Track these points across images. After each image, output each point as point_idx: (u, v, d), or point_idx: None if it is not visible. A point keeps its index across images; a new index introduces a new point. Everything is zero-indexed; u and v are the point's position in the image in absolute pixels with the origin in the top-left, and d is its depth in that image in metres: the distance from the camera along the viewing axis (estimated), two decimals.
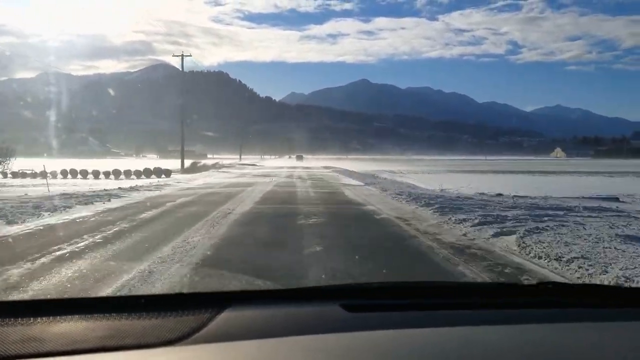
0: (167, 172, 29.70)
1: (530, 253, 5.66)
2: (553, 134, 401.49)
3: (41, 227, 7.48)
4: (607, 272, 4.61)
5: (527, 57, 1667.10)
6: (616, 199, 14.06)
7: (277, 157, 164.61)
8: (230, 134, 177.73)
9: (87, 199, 11.91)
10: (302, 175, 27.23)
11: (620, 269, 4.61)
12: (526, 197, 13.85)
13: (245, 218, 8.24)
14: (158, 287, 3.95)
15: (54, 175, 27.98)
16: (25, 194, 13.36)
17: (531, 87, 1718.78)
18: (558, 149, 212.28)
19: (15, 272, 4.41)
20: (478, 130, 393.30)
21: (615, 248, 5.65)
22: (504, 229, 7.13)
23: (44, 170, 23.49)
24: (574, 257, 5.17)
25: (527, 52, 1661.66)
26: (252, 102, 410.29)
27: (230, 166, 49.01)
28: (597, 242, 6.00)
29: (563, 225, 7.45)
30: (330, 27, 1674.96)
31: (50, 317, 1.10)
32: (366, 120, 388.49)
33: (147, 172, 29.28)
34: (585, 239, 6.18)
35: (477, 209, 9.72)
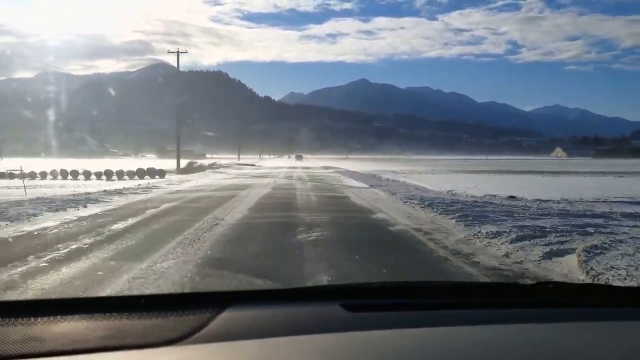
0: (161, 173, 28.77)
1: None
2: (552, 133, 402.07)
3: None
4: None
5: (527, 57, 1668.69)
6: None
7: (276, 156, 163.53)
8: (230, 133, 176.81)
9: (62, 204, 10.64)
10: (301, 177, 25.83)
11: None
12: (548, 201, 12.62)
13: (233, 232, 6.87)
14: None
15: (43, 175, 27.21)
16: None
17: (530, 87, 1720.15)
18: (558, 149, 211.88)
19: None
20: (477, 130, 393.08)
21: None
22: (552, 247, 5.79)
23: (22, 172, 22.34)
24: None
25: (527, 52, 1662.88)
26: (252, 102, 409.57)
27: (227, 166, 47.74)
28: None
29: (620, 241, 6.14)
30: (329, 26, 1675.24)
31: (51, 317, 1.10)
32: (366, 120, 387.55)
33: (141, 173, 28.28)
34: None
35: (504, 217, 8.41)
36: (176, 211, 9.34)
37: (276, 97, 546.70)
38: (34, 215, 8.88)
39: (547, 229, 7.09)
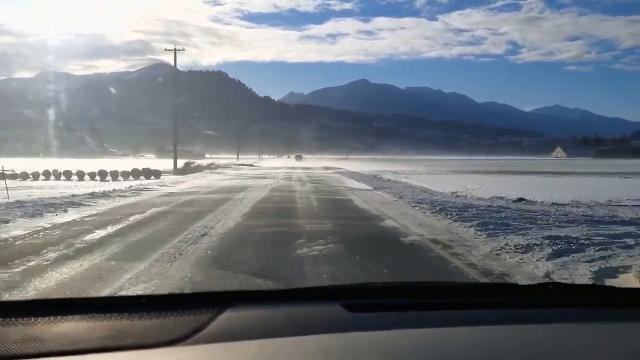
0: (157, 173, 28.11)
1: None
2: (552, 133, 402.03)
3: None
4: None
5: (527, 57, 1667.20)
6: None
7: (275, 157, 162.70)
8: (230, 134, 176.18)
9: (41, 208, 9.75)
10: (301, 178, 24.89)
11: None
12: (565, 204, 11.77)
13: (222, 245, 5.92)
14: None
15: (35, 176, 26.56)
16: None
17: (530, 87, 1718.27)
18: (559, 149, 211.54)
19: None
20: (477, 130, 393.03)
21: None
22: (598, 264, 4.90)
23: (14, 172, 21.55)
24: None
25: (527, 52, 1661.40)
26: (252, 102, 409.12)
27: (225, 166, 46.88)
28: None
29: None
30: (329, 27, 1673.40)
31: (51, 317, 1.10)
32: (365, 120, 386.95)
33: (136, 174, 27.54)
34: None
35: (527, 225, 7.52)
36: (162, 217, 8.42)
37: (276, 97, 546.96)
38: (5, 222, 7.98)
39: (581, 241, 6.21)
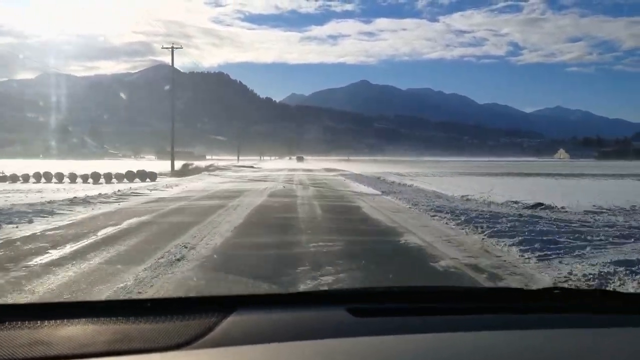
0: (153, 176, 27.03)
1: None
2: (553, 135, 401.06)
3: None
4: None
5: (528, 59, 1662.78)
6: None
7: (276, 158, 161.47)
8: (231, 135, 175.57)
9: (3, 218, 8.46)
10: (303, 180, 23.48)
11: None
12: (599, 212, 10.50)
13: (201, 275, 4.51)
14: None
15: (25, 178, 25.52)
16: None
17: (532, 89, 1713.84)
18: (561, 150, 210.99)
19: None
20: (478, 131, 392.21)
21: None
22: None
23: (3, 174, 20.72)
24: None
25: (528, 54, 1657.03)
26: (253, 103, 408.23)
27: (225, 168, 45.63)
28: None
29: None
30: (330, 28, 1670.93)
31: (58, 321, 1.10)
32: (366, 122, 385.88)
33: (130, 176, 26.43)
34: None
35: (579, 243, 6.18)
36: (138, 232, 7.04)
37: (277, 98, 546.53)
38: None
39: None
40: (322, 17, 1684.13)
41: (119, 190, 16.09)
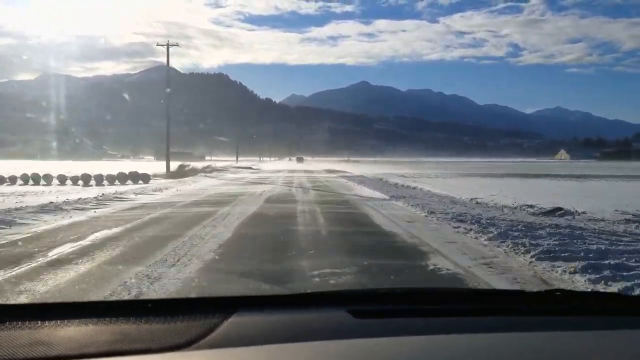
0: (145, 178, 25.92)
1: None
2: (553, 135, 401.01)
3: None
4: None
5: (528, 60, 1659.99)
6: None
7: (276, 159, 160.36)
8: (231, 136, 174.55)
9: None
10: (303, 183, 22.14)
11: None
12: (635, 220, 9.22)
13: None
14: None
15: (13, 180, 24.33)
16: None
17: (531, 90, 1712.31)
18: (562, 151, 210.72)
19: None
20: (478, 132, 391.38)
21: None
22: None
23: None
24: None
25: (528, 55, 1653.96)
26: (253, 104, 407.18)
27: (222, 169, 44.37)
28: None
29: None
30: (330, 29, 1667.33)
31: (58, 321, 1.09)
32: (366, 123, 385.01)
33: (122, 178, 25.29)
34: None
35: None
36: (96, 252, 5.48)
37: (277, 99, 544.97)
38: None
39: None
40: (322, 18, 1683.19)
41: (102, 194, 14.82)
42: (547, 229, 7.26)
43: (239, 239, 6.65)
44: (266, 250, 5.87)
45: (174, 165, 35.74)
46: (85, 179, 24.14)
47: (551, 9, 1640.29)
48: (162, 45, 36.67)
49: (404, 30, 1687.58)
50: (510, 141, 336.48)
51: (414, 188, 18.68)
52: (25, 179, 24.63)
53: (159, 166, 35.54)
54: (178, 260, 5.01)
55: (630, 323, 1.23)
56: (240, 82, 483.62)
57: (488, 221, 8.05)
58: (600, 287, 4.25)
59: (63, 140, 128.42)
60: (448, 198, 13.99)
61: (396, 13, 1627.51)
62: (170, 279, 4.28)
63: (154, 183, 23.30)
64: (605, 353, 1.05)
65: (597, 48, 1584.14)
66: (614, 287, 4.20)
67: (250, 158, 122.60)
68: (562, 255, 5.39)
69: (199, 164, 47.31)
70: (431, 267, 4.96)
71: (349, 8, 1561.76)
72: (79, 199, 13.11)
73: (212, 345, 1.00)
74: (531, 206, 11.49)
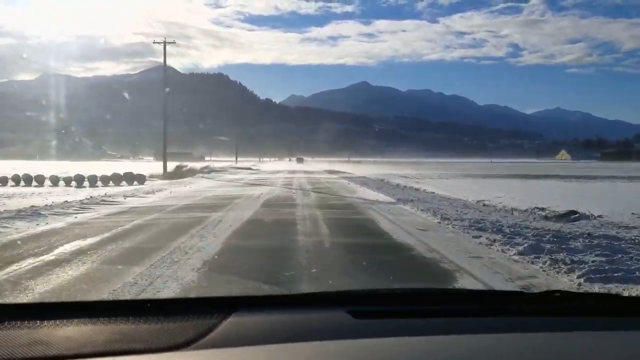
0: (140, 179, 25.22)
1: None
2: (553, 136, 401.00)
3: None
4: None
5: (528, 60, 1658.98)
6: None
7: (276, 159, 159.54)
8: (231, 136, 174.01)
9: None
10: (303, 185, 21.24)
11: None
12: None
13: None
14: None
15: (3, 182, 23.57)
16: None
17: (531, 90, 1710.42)
18: (563, 152, 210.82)
19: None
20: (478, 132, 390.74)
21: None
22: None
23: None
24: None
25: (528, 55, 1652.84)
26: (253, 105, 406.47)
27: (221, 170, 43.54)
28: None
29: None
30: (330, 29, 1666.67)
31: (57, 320, 1.09)
32: (366, 123, 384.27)
33: (117, 179, 24.60)
34: None
35: None
36: (53, 273, 4.50)
37: (277, 99, 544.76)
38: None
39: None
40: (322, 18, 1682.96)
41: (90, 196, 13.96)
42: (581, 240, 6.39)
43: (229, 253, 5.71)
44: (260, 269, 4.93)
45: (172, 165, 34.94)
46: (79, 180, 23.37)
47: (551, 9, 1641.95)
48: (159, 42, 35.78)
49: (404, 31, 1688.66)
50: (510, 142, 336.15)
51: (417, 189, 17.91)
52: (16, 179, 23.88)
53: (157, 167, 34.72)
54: (150, 284, 4.09)
55: (630, 323, 1.23)
56: (240, 82, 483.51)
57: (511, 229, 7.18)
58: None
59: (62, 141, 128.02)
60: (458, 201, 13.12)
61: (396, 13, 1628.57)
62: None
63: (148, 184, 22.55)
64: (604, 353, 1.04)
65: (597, 48, 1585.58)
66: None
67: (250, 158, 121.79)
68: (615, 275, 4.51)
69: (197, 165, 46.46)
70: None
71: (349, 8, 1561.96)
72: (64, 202, 12.27)
73: (211, 345, 1.00)
74: (542, 209, 10.88)
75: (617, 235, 7.18)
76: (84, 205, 11.45)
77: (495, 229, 7.24)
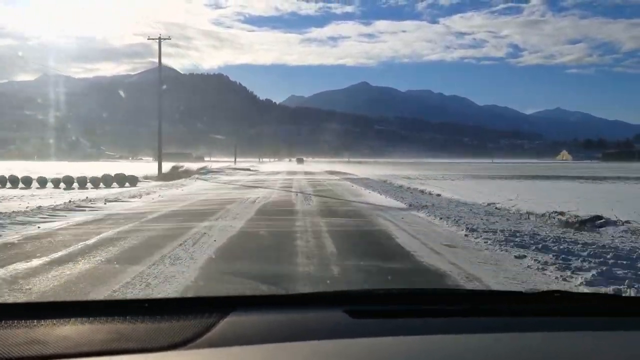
0: (133, 180, 24.14)
1: None
2: (553, 136, 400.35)
3: None
4: None
5: (528, 60, 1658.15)
6: None
7: (276, 160, 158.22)
8: (231, 136, 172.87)
9: None
10: (304, 187, 19.89)
11: None
12: None
13: None
14: None
15: None
16: None
17: (531, 90, 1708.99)
18: (564, 152, 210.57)
19: None
20: (479, 132, 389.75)
21: None
22: None
23: None
24: None
25: (528, 55, 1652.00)
26: (253, 105, 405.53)
27: (219, 171, 42.27)
28: None
29: None
30: (331, 29, 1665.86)
31: (54, 320, 1.09)
32: (367, 123, 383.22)
33: (108, 180, 23.53)
34: None
35: None
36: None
37: (277, 100, 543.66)
38: None
39: None
40: (322, 19, 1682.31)
41: (70, 200, 12.72)
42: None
43: (205, 288, 4.19)
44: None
45: (168, 166, 33.70)
46: (68, 182, 22.17)
47: (551, 10, 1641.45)
48: (153, 39, 34.43)
49: (404, 31, 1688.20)
50: (510, 142, 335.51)
51: (426, 192, 16.67)
52: (2, 181, 22.78)
53: (155, 167, 33.47)
54: None
55: (629, 323, 1.23)
56: (240, 83, 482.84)
57: (557, 246, 5.85)
58: None
59: (61, 141, 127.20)
60: (475, 206, 11.81)
61: (396, 14, 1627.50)
62: None
63: (140, 186, 21.37)
64: (604, 353, 1.04)
65: (597, 49, 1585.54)
66: None
67: (249, 159, 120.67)
68: None
69: (194, 165, 45.21)
70: None
71: (349, 9, 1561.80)
72: (38, 207, 11.02)
73: (208, 345, 1.00)
74: (561, 213, 9.77)
75: None
76: (55, 212, 10.14)
77: (539, 246, 5.91)
